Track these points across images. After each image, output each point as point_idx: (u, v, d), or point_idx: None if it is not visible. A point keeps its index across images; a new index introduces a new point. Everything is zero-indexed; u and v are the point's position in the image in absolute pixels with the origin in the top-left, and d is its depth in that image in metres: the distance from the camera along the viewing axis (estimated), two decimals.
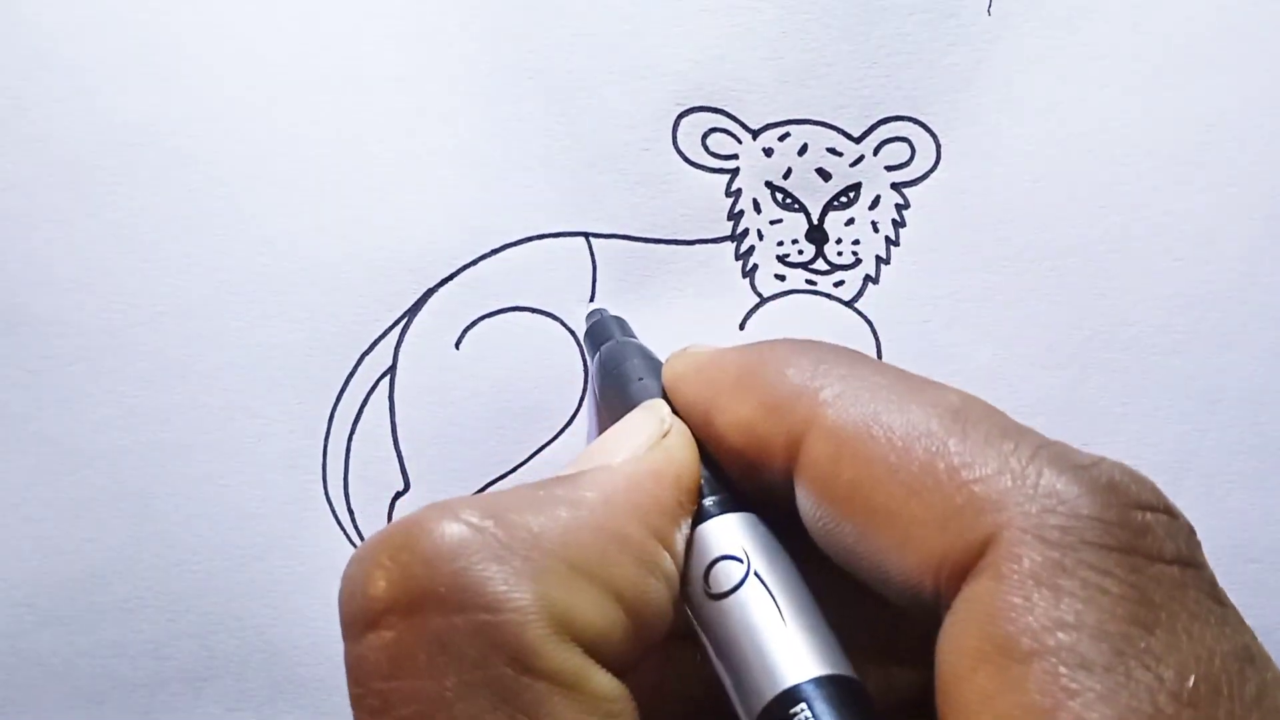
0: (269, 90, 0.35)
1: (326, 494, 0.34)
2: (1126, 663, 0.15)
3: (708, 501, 0.22)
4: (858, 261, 0.35)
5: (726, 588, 0.20)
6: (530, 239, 0.35)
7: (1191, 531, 0.17)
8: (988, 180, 0.35)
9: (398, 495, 0.35)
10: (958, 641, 0.17)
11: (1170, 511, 0.17)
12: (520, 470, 0.35)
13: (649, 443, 0.22)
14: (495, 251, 0.35)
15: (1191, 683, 0.15)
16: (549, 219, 0.35)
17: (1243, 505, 0.34)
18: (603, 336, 0.32)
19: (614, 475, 0.21)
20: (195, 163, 0.34)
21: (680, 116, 0.35)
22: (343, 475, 0.35)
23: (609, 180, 0.35)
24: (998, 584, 0.16)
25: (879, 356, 0.34)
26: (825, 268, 0.35)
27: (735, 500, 0.22)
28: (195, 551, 0.34)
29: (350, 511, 0.35)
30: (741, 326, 0.35)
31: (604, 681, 0.18)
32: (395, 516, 0.35)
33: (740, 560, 0.21)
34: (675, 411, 0.24)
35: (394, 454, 0.35)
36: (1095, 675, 0.15)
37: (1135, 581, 0.16)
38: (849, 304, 0.35)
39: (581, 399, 0.35)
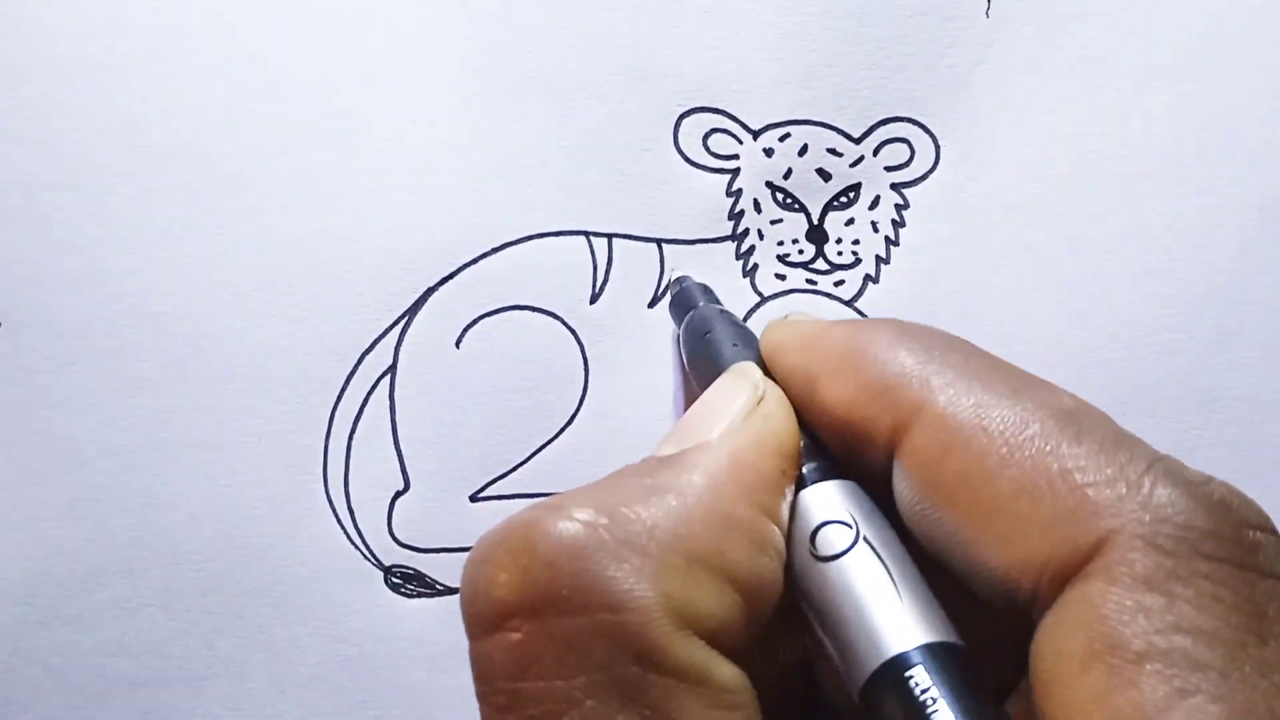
0: (269, 90, 0.35)
1: (327, 493, 0.34)
2: (1242, 668, 0.15)
3: (809, 467, 0.22)
4: (858, 261, 0.35)
5: (834, 551, 0.20)
6: (531, 238, 0.35)
7: None
8: (986, 181, 0.35)
9: (398, 494, 0.35)
10: (1063, 642, 0.17)
11: (1276, 533, 0.17)
12: (521, 470, 0.35)
13: (745, 411, 0.22)
14: (496, 250, 0.35)
15: None
16: (550, 218, 0.35)
17: None
18: (688, 304, 0.32)
19: (716, 454, 0.20)
20: (195, 163, 0.34)
21: (681, 117, 0.35)
22: (343, 474, 0.35)
23: (610, 180, 0.35)
24: (1109, 586, 0.17)
25: None
26: (825, 267, 0.35)
27: (835, 469, 0.22)
28: (196, 551, 0.34)
29: (350, 511, 0.35)
30: None
31: (727, 672, 0.18)
32: (395, 516, 0.35)
33: (849, 525, 0.20)
34: (773, 380, 0.24)
35: (394, 453, 0.35)
36: (1210, 678, 0.15)
37: (1249, 594, 0.16)
38: (849, 303, 0.35)
39: (581, 399, 0.35)
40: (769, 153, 0.35)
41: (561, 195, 0.35)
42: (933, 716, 0.17)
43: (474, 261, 0.35)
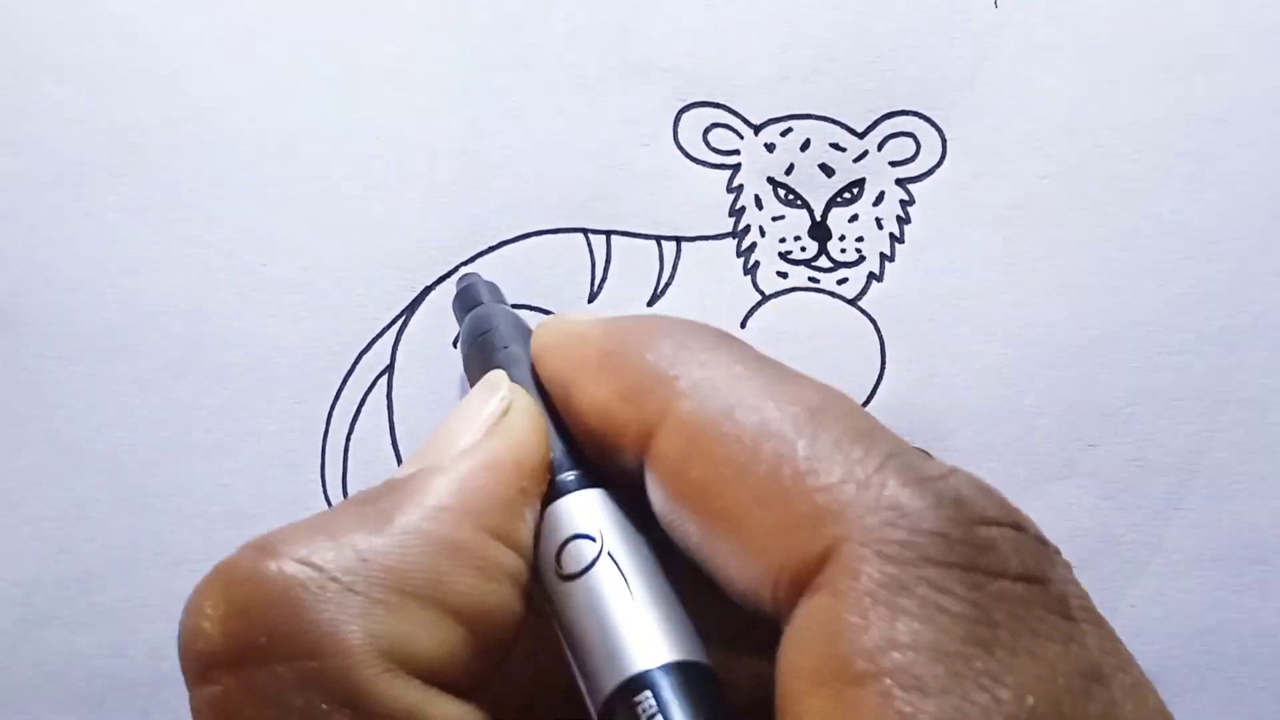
0: (266, 89, 0.34)
1: (325, 493, 0.34)
2: (963, 684, 0.15)
3: (564, 476, 0.21)
4: (861, 259, 0.34)
5: (578, 568, 0.19)
6: (529, 235, 0.34)
7: (1040, 543, 0.17)
8: (994, 176, 0.34)
9: None
10: (794, 660, 0.16)
11: (1018, 525, 0.17)
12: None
13: (487, 425, 0.21)
14: (493, 248, 0.34)
15: (1030, 703, 0.15)
16: (548, 215, 0.34)
17: (1250, 507, 0.34)
18: (472, 302, 0.30)
19: (445, 476, 0.19)
20: (191, 162, 0.34)
21: (681, 112, 0.34)
22: (341, 474, 0.34)
23: (609, 176, 0.34)
24: (834, 601, 0.16)
25: (882, 356, 0.34)
26: (828, 265, 0.34)
27: (590, 477, 0.21)
28: (195, 551, 0.34)
29: None
30: (743, 325, 0.34)
31: (445, 711, 0.17)
32: None
33: (593, 539, 0.19)
34: (541, 385, 0.23)
35: (392, 453, 0.35)
36: (930, 698, 0.15)
37: (975, 599, 0.15)
38: (852, 302, 0.34)
39: None
40: (770, 148, 0.34)
41: (559, 192, 0.34)
42: None
43: (472, 259, 0.34)
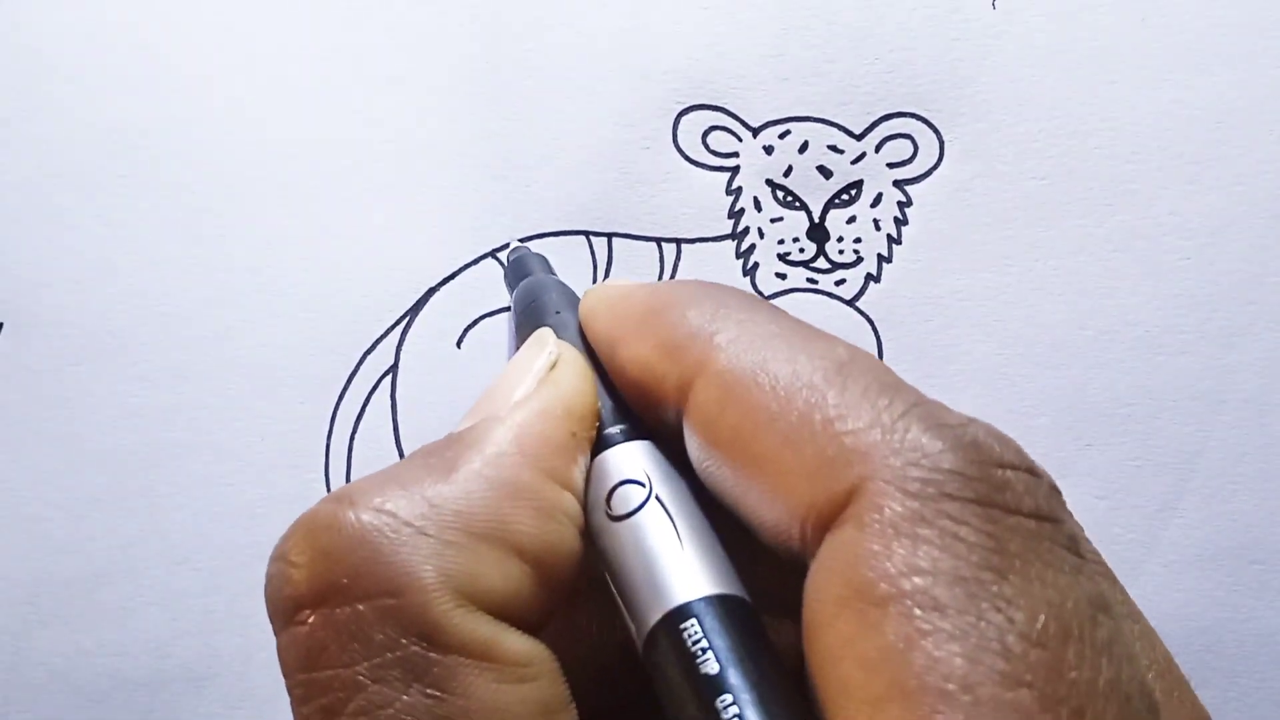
0: (271, 90, 0.35)
1: (329, 492, 0.34)
2: (979, 605, 0.16)
3: (611, 430, 0.22)
4: (859, 260, 0.35)
5: (627, 510, 0.20)
6: (531, 238, 0.35)
7: (1053, 489, 0.18)
8: (992, 178, 0.34)
9: None
10: (821, 589, 0.17)
11: (1032, 470, 0.18)
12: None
13: (537, 377, 0.22)
14: (496, 250, 0.35)
15: (1041, 623, 0.16)
16: (549, 217, 0.35)
17: (1248, 506, 0.34)
18: (522, 272, 0.32)
19: (503, 425, 0.21)
20: (196, 163, 0.34)
21: (680, 114, 0.34)
22: (345, 474, 0.35)
23: (609, 179, 0.34)
24: (859, 532, 0.17)
25: (880, 356, 0.34)
26: (826, 266, 0.35)
27: (636, 430, 0.22)
28: (198, 550, 0.34)
29: None
30: None
31: (517, 644, 0.18)
32: None
33: (642, 484, 0.21)
34: (590, 346, 0.24)
35: (396, 453, 0.35)
36: (948, 617, 0.16)
37: (992, 531, 0.16)
38: (850, 303, 0.35)
39: None
40: (769, 150, 0.34)
41: (561, 194, 0.34)
42: (702, 666, 0.18)
43: (475, 262, 0.35)
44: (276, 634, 0.19)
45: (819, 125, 0.34)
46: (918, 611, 0.16)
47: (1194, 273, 0.34)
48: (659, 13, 0.34)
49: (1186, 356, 0.34)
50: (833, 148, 0.34)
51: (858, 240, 0.34)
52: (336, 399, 0.35)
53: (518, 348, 0.27)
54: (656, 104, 0.34)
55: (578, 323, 0.25)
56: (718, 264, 0.34)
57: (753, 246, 0.35)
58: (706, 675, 0.17)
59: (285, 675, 0.18)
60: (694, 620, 0.18)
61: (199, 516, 0.34)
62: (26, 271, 0.34)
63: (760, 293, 0.35)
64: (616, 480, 0.21)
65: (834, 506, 0.17)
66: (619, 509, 0.20)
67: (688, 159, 0.34)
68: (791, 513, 0.18)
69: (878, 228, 0.34)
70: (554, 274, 0.32)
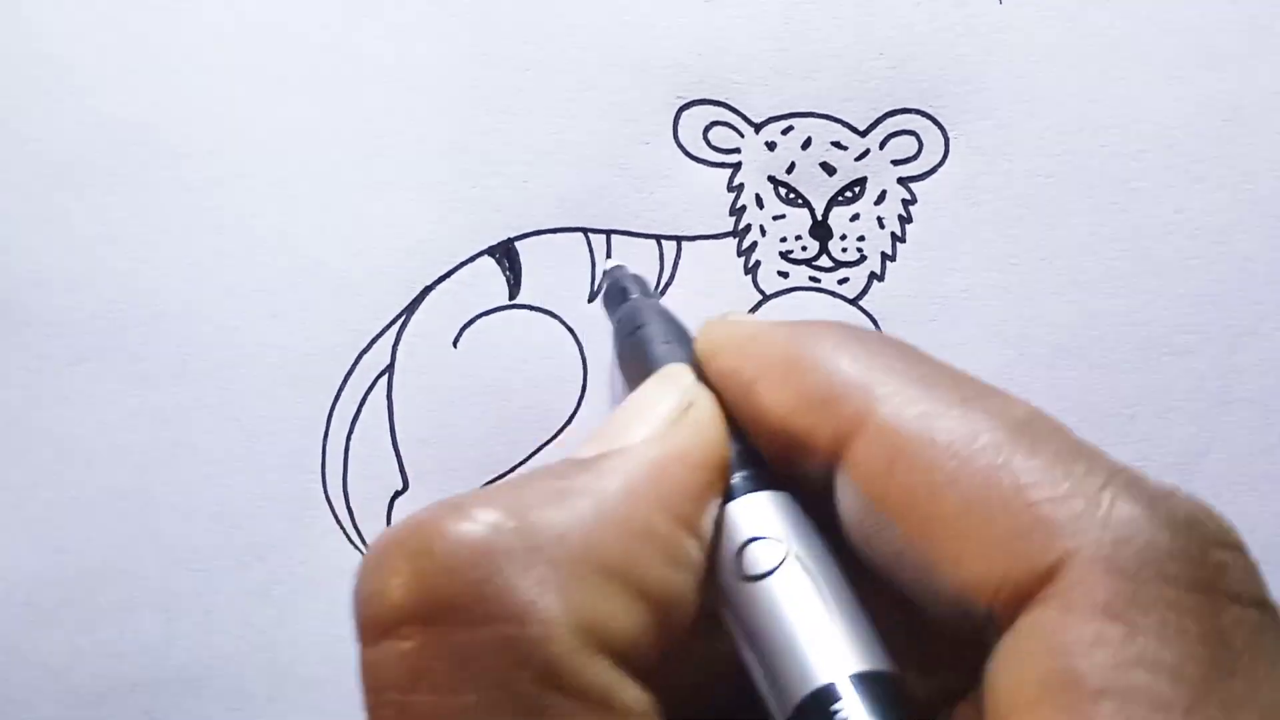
0: (265, 88, 0.34)
1: (326, 493, 0.34)
2: (1206, 709, 0.14)
3: (739, 477, 0.21)
4: (863, 258, 0.34)
5: (762, 570, 0.19)
6: (528, 235, 0.34)
7: (1257, 570, 0.17)
8: (997, 175, 0.34)
9: (397, 494, 0.35)
10: (1018, 671, 0.16)
11: (1242, 549, 0.17)
12: (520, 469, 0.34)
13: (671, 416, 0.21)
14: (494, 248, 0.34)
15: None
16: (547, 214, 0.34)
17: (1254, 509, 0.33)
18: (621, 296, 0.31)
19: (636, 460, 0.19)
20: (194, 162, 0.34)
21: (681, 110, 0.34)
22: (342, 474, 0.34)
23: (609, 175, 0.34)
24: (1066, 614, 0.16)
25: None
26: (829, 264, 0.34)
27: (767, 479, 0.21)
28: (195, 551, 0.34)
29: (349, 511, 0.34)
30: None
31: (633, 696, 0.17)
32: (395, 516, 0.35)
33: (778, 541, 0.19)
34: (706, 383, 0.23)
35: (393, 453, 0.35)
36: (1173, 718, 0.14)
37: (1215, 624, 0.15)
38: (853, 302, 0.34)
39: (581, 398, 0.34)
40: (771, 146, 0.34)
41: (559, 191, 0.34)
42: None
43: (471, 259, 0.34)
44: (366, 643, 0.17)
45: (822, 121, 0.34)
46: (1137, 709, 0.14)
47: (1201, 272, 0.33)
48: (660, 7, 0.34)
49: (1193, 357, 0.34)
50: (836, 144, 0.34)
51: (861, 238, 0.34)
52: (332, 399, 0.34)
53: (625, 376, 0.26)
54: (657, 99, 0.34)
55: (690, 357, 0.24)
56: (719, 262, 0.34)
57: (754, 244, 0.34)
58: None
59: (371, 690, 0.17)
60: (846, 701, 0.17)
61: (196, 517, 0.34)
62: (23, 270, 0.34)
63: (762, 292, 0.34)
64: (749, 535, 0.19)
65: (1033, 581, 0.16)
66: (752, 568, 0.19)
67: (688, 155, 0.34)
68: (978, 582, 0.17)
69: (882, 225, 0.34)
70: (654, 296, 0.31)
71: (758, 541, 0.19)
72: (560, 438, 0.34)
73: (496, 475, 0.34)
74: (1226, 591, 0.16)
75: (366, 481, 0.34)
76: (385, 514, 0.34)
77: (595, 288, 0.34)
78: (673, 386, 0.22)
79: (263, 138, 0.34)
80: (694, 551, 0.19)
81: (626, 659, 0.17)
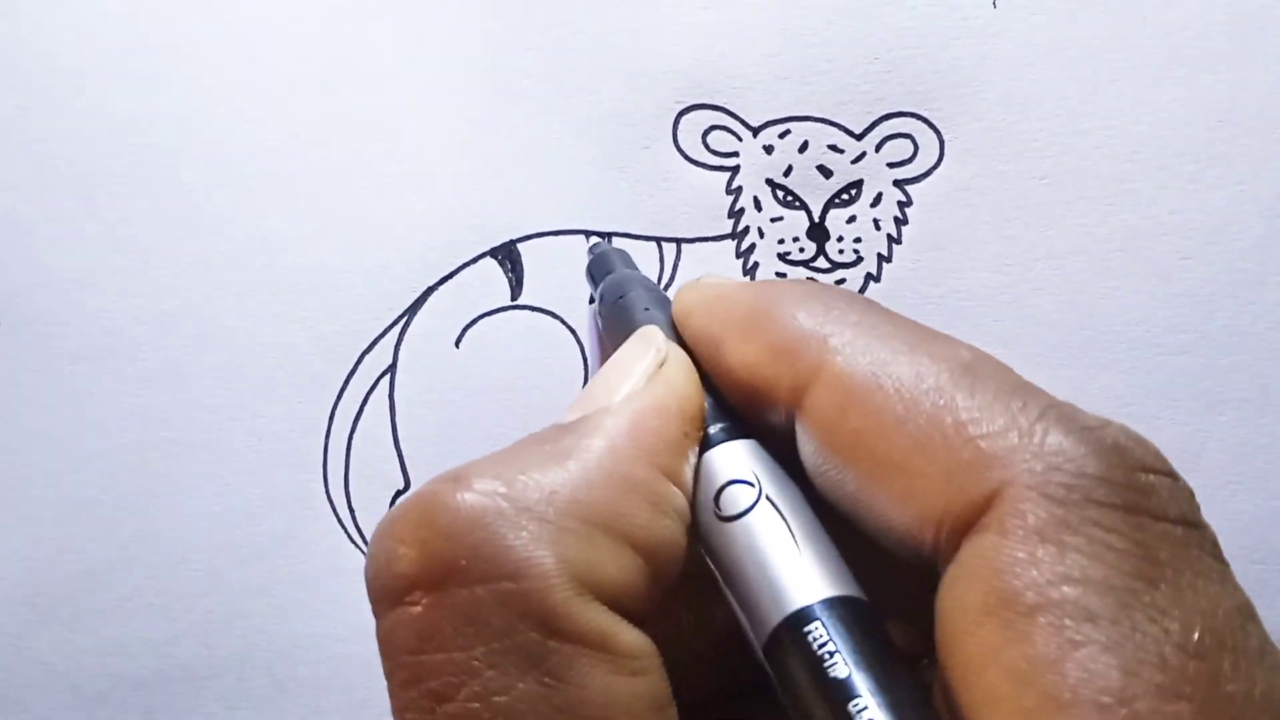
0: (268, 90, 0.34)
1: (327, 492, 0.35)
2: (1132, 615, 0.15)
3: (714, 429, 0.22)
4: (859, 259, 0.34)
5: (737, 510, 0.20)
6: (530, 237, 0.35)
7: (1192, 494, 0.17)
8: (992, 177, 0.34)
9: (398, 494, 0.35)
10: (960, 596, 0.17)
11: (1172, 475, 0.17)
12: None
13: (646, 374, 0.22)
14: (495, 249, 0.35)
15: (1197, 635, 0.15)
16: (549, 217, 0.34)
17: (1248, 507, 0.34)
18: (605, 269, 0.32)
19: (617, 418, 0.20)
20: (195, 163, 0.34)
21: (681, 114, 0.34)
22: (343, 474, 0.35)
23: (609, 178, 0.34)
24: (1002, 539, 0.16)
25: None
26: (827, 266, 0.35)
27: (739, 429, 0.22)
28: (196, 550, 0.34)
29: (351, 510, 0.35)
30: None
31: (631, 637, 0.18)
32: None
33: (751, 484, 0.20)
34: (684, 344, 0.24)
35: (394, 452, 0.35)
36: (1101, 627, 0.15)
37: (1140, 539, 0.16)
38: None
39: None
40: (769, 150, 0.34)
41: (560, 194, 0.34)
42: (830, 669, 0.17)
43: (474, 261, 0.35)
44: (380, 615, 0.18)
45: (819, 125, 0.34)
46: (1069, 622, 0.15)
47: (1195, 272, 0.34)
48: (659, 12, 0.34)
49: (1187, 356, 0.34)
50: (833, 147, 0.34)
51: (858, 240, 0.34)
52: (335, 399, 0.35)
53: (604, 343, 0.27)
54: (657, 103, 0.34)
55: (668, 320, 0.25)
56: (718, 264, 0.34)
57: (753, 246, 0.35)
58: (835, 679, 0.17)
59: (387, 657, 0.18)
60: (818, 623, 0.18)
61: (197, 516, 0.34)
62: (23, 271, 0.34)
63: None
64: (725, 480, 0.21)
65: (972, 512, 0.17)
66: (728, 509, 0.20)
67: (688, 158, 0.34)
68: (923, 518, 0.18)
69: (878, 227, 0.34)
70: (637, 269, 0.32)
71: (733, 485, 0.21)
72: None
73: None
74: (1151, 510, 0.16)
75: (368, 481, 0.35)
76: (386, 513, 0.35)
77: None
78: (647, 346, 0.23)
79: (265, 139, 0.34)
80: (677, 499, 0.20)
81: (621, 604, 0.18)
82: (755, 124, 0.34)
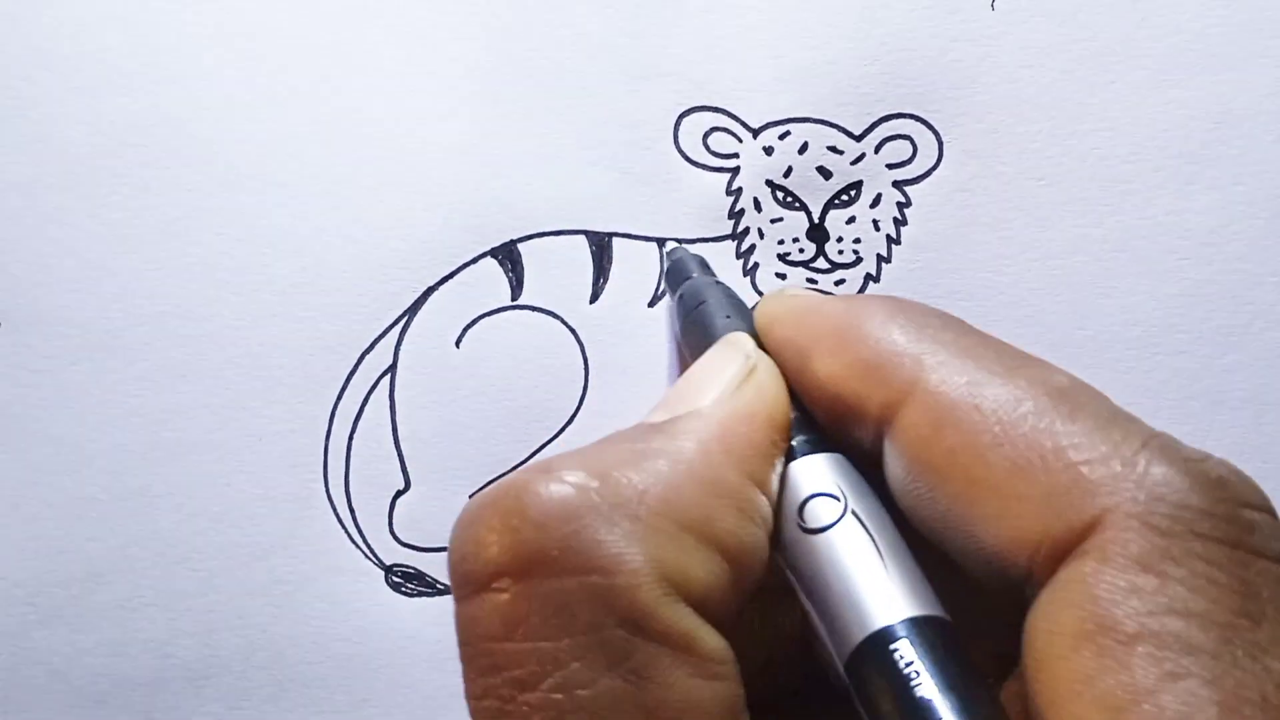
0: (269, 89, 0.34)
1: (328, 493, 0.34)
2: (1234, 651, 0.15)
3: (799, 440, 0.22)
4: (859, 260, 0.35)
5: (822, 524, 0.20)
6: (531, 237, 0.35)
7: None
8: (990, 178, 0.34)
9: (398, 494, 0.35)
10: (1055, 620, 0.17)
11: (1273, 512, 0.17)
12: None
13: (736, 380, 0.22)
14: (496, 250, 0.35)
15: None
16: (549, 217, 0.35)
17: None
18: (682, 274, 0.32)
19: (707, 420, 0.20)
20: (195, 162, 0.34)
21: (681, 116, 0.34)
22: (343, 474, 0.35)
23: (610, 179, 0.34)
24: (1103, 565, 0.16)
25: None
26: (826, 266, 0.35)
27: (824, 441, 0.22)
28: (197, 550, 0.34)
29: (351, 510, 0.35)
30: None
31: (713, 641, 0.18)
32: (396, 515, 0.35)
33: (836, 498, 0.20)
34: (765, 352, 0.24)
35: (394, 453, 0.35)
36: (1201, 661, 0.15)
37: (1243, 575, 0.16)
38: None
39: (582, 398, 0.34)
40: (769, 151, 0.34)
41: (561, 194, 0.34)
42: (916, 689, 0.17)
43: (474, 261, 0.35)
44: (461, 600, 0.18)
45: (818, 126, 0.34)
46: (1169, 653, 0.15)
47: (1192, 272, 0.34)
48: (660, 15, 0.34)
49: (1185, 356, 0.34)
50: (832, 149, 0.34)
51: (857, 241, 0.35)
52: (335, 399, 0.35)
53: (685, 350, 0.27)
54: (657, 105, 0.34)
55: (749, 329, 0.25)
56: (718, 264, 0.34)
57: (753, 247, 0.35)
58: (921, 699, 0.17)
59: (467, 643, 0.18)
60: (904, 641, 0.18)
61: (197, 516, 0.34)
62: (23, 271, 0.34)
63: (760, 293, 0.35)
64: (809, 492, 0.21)
65: (1071, 537, 0.17)
66: (812, 522, 0.20)
67: (688, 160, 0.35)
68: (1017, 540, 0.18)
69: (877, 228, 0.35)
70: (714, 275, 0.32)
71: (818, 498, 0.21)
72: (561, 437, 0.35)
73: (498, 475, 0.35)
74: (1254, 547, 0.16)
75: (368, 481, 0.35)
76: (387, 514, 0.35)
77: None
78: (736, 352, 0.23)
79: (265, 139, 0.34)
80: (764, 507, 0.20)
81: (705, 607, 0.18)
82: (755, 125, 0.34)
